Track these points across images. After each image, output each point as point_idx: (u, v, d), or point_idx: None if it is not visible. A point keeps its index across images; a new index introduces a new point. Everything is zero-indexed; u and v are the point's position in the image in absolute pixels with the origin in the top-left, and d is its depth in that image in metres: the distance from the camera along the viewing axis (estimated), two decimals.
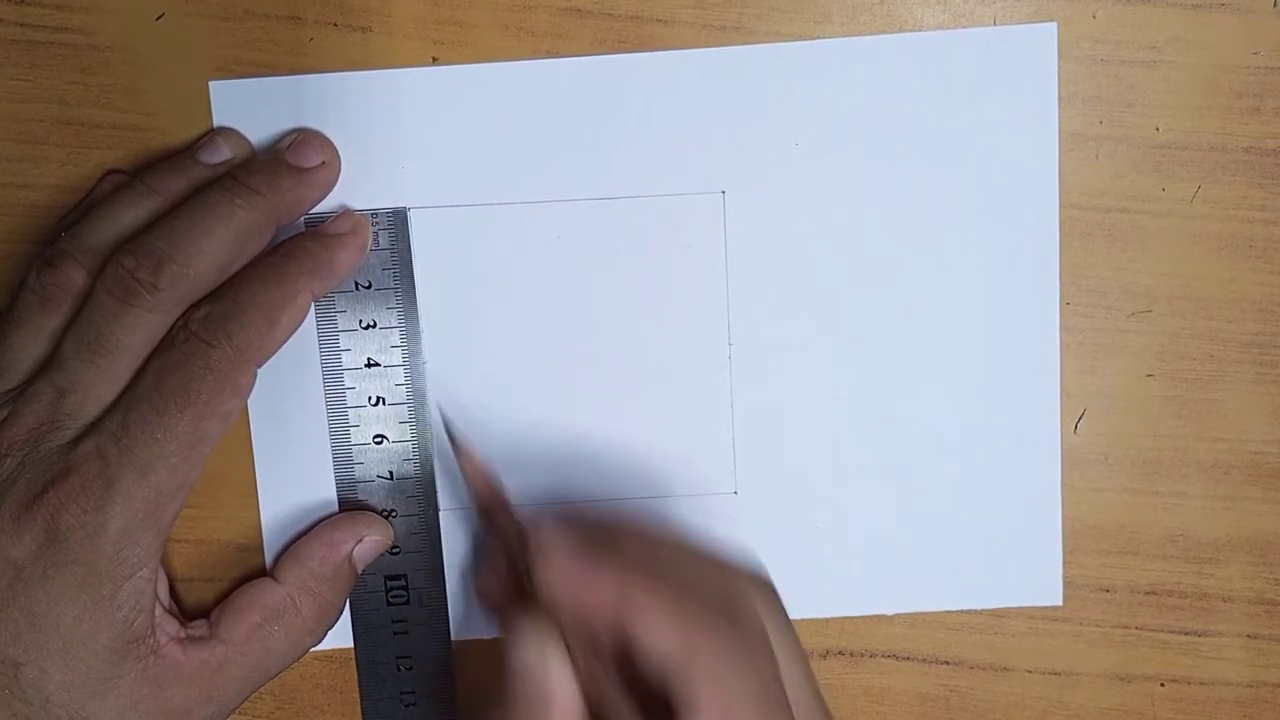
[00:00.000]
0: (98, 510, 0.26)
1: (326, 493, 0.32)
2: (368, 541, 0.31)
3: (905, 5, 0.31)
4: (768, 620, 0.26)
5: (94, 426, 0.27)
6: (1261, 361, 0.32)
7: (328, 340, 0.31)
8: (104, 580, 0.26)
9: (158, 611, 0.28)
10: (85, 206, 0.31)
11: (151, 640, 0.27)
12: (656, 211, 0.31)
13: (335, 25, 0.31)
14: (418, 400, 0.31)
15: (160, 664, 0.27)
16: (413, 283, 0.31)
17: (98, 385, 0.27)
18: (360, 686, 0.32)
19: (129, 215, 0.29)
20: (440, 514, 0.32)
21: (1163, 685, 0.33)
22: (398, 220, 0.31)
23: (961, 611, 0.33)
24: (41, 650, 0.26)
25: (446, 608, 0.32)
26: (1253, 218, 0.32)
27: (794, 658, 0.26)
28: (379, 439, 0.31)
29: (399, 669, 0.32)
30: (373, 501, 0.32)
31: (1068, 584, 0.33)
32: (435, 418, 0.31)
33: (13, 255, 0.32)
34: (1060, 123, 0.31)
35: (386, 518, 0.32)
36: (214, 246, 0.28)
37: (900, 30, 0.31)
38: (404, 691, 0.32)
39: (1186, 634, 0.33)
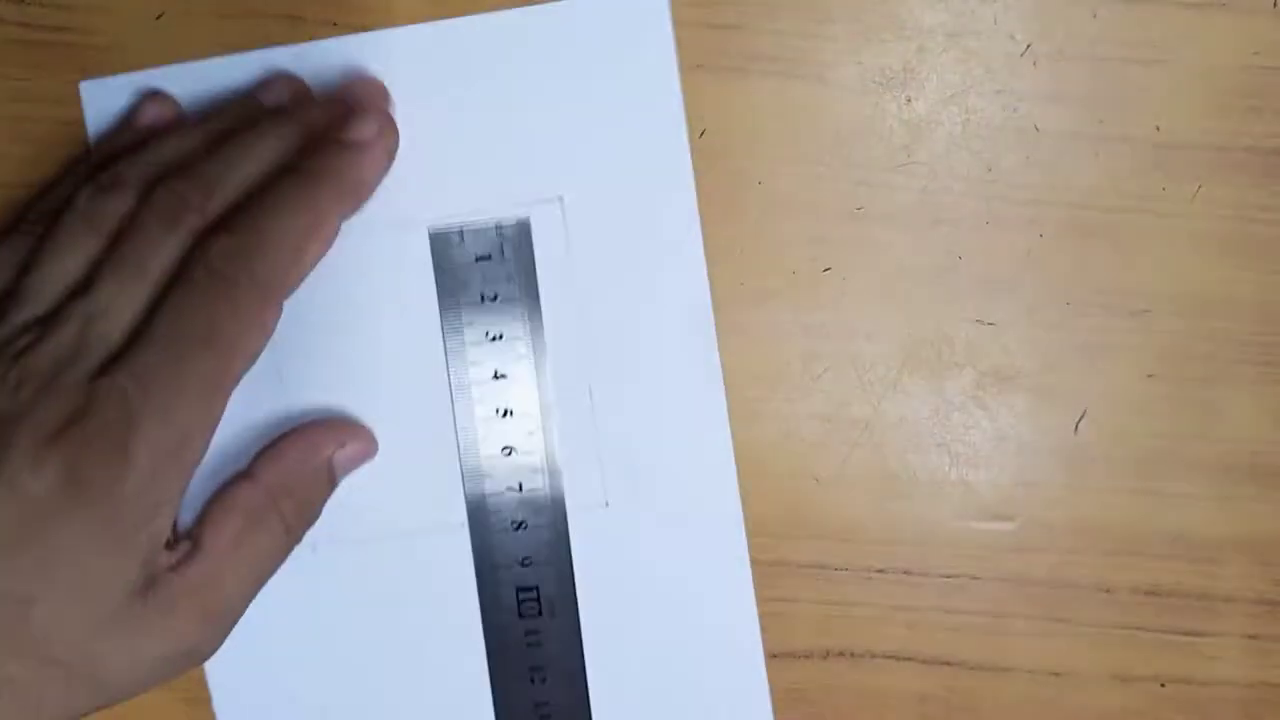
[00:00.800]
0: (120, 452, 0.25)
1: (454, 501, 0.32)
2: (350, 448, 0.30)
3: (906, 5, 0.31)
4: None
5: (117, 360, 0.25)
6: (1261, 361, 0.32)
7: (455, 352, 0.31)
8: (126, 523, 0.25)
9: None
10: (127, 131, 0.30)
11: (153, 573, 0.26)
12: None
13: (335, 25, 0.31)
14: (546, 411, 0.31)
15: (159, 596, 0.26)
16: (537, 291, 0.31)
17: (127, 312, 0.25)
18: (494, 701, 0.32)
19: (179, 149, 0.28)
20: (569, 522, 0.32)
21: (1163, 685, 0.33)
22: (520, 231, 0.31)
23: (961, 611, 0.33)
24: (56, 588, 0.25)
25: (579, 616, 0.32)
26: (1253, 217, 0.32)
27: None
28: (507, 451, 0.31)
29: (532, 681, 0.32)
30: (502, 513, 0.31)
31: (1068, 584, 0.33)
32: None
33: None
34: (1060, 122, 0.31)
35: (516, 529, 0.31)
36: (253, 172, 0.27)
37: (901, 29, 0.31)
38: (539, 703, 0.32)
39: (1186, 634, 0.33)
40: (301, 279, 0.27)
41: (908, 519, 0.33)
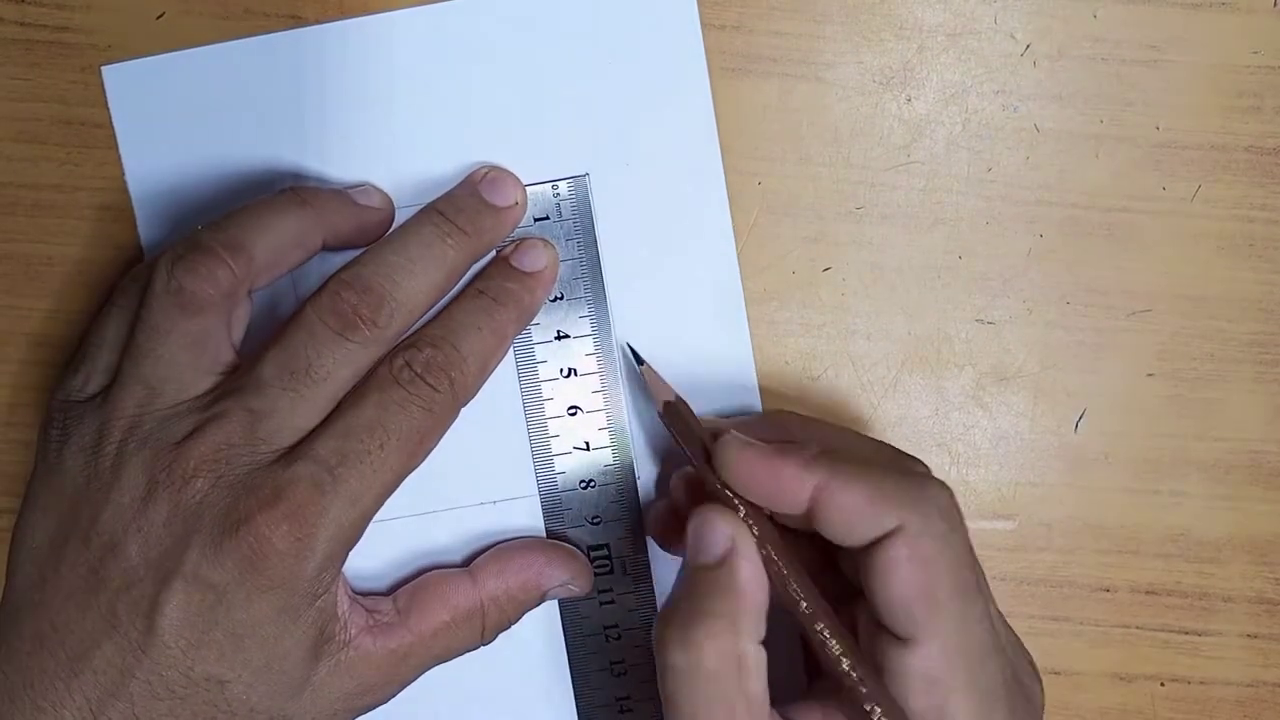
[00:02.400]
0: (308, 536, 0.26)
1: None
2: (569, 588, 0.31)
3: (906, 5, 0.31)
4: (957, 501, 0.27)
5: (300, 452, 0.26)
6: (1261, 361, 0.32)
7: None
8: (302, 601, 0.26)
9: (344, 605, 0.28)
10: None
11: (343, 635, 0.27)
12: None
13: None
14: (609, 367, 0.31)
15: (352, 655, 0.28)
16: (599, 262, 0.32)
17: (297, 414, 0.27)
18: (570, 660, 0.32)
19: (292, 229, 0.28)
20: (638, 481, 0.32)
21: (1163, 685, 0.33)
22: (585, 228, 0.31)
23: None
24: (245, 666, 0.26)
25: (651, 574, 0.32)
26: (1253, 217, 0.32)
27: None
28: (573, 410, 0.31)
29: (607, 639, 0.32)
30: (569, 473, 0.32)
31: (1068, 583, 0.33)
32: (620, 354, 0.32)
33: (13, 255, 0.32)
34: (1060, 122, 0.31)
35: (585, 488, 0.32)
36: (428, 285, 0.28)
37: (901, 29, 0.31)
38: (614, 662, 0.32)
39: (1186, 633, 0.33)
40: (482, 387, 0.29)
41: None
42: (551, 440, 0.32)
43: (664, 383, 0.30)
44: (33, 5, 0.31)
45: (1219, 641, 0.33)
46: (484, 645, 0.30)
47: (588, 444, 0.32)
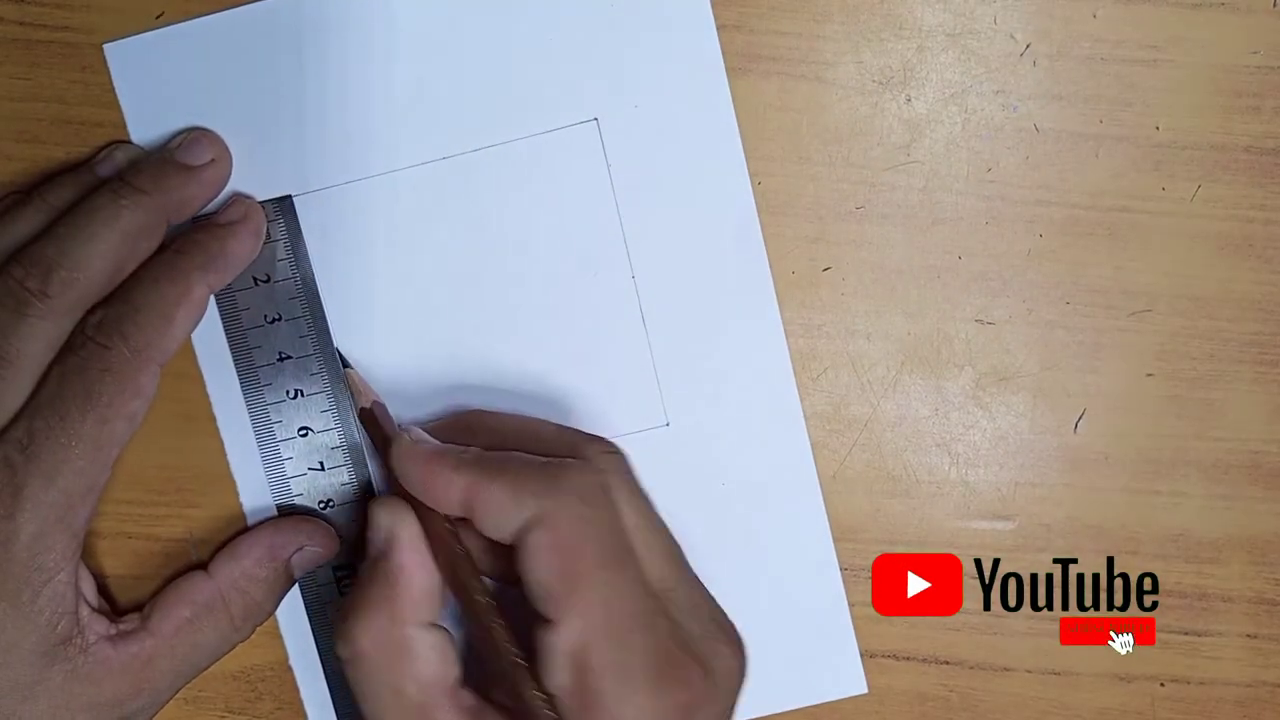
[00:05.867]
0: (8, 518, 0.26)
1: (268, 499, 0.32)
2: (308, 551, 0.31)
3: (906, 5, 0.31)
4: (614, 478, 0.27)
5: (2, 436, 0.27)
6: (1261, 361, 0.32)
7: (237, 340, 0.31)
8: (22, 586, 0.26)
9: (84, 612, 0.28)
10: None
11: (79, 640, 0.27)
12: (533, 152, 0.31)
13: None
14: (336, 387, 0.31)
15: (90, 662, 0.27)
16: (311, 270, 0.31)
17: (1, 397, 0.27)
18: (326, 679, 0.32)
19: (24, 229, 0.29)
20: (379, 496, 0.32)
21: (1163, 685, 0.33)
22: (285, 209, 0.31)
23: (961, 610, 0.33)
24: None
25: None
26: (1253, 217, 0.32)
27: (641, 512, 0.28)
28: (304, 431, 0.31)
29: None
30: (309, 494, 0.31)
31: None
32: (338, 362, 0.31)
33: None
34: (1060, 122, 0.31)
35: (324, 507, 0.31)
36: (101, 249, 0.28)
37: (901, 29, 0.31)
38: None
39: (1186, 634, 0.33)
40: (176, 344, 0.28)
41: (908, 519, 0.33)
42: (285, 463, 0.31)
43: (366, 387, 0.31)
44: (33, 5, 0.31)
45: (1219, 642, 0.33)
46: (241, 638, 0.30)
47: (321, 464, 0.31)
